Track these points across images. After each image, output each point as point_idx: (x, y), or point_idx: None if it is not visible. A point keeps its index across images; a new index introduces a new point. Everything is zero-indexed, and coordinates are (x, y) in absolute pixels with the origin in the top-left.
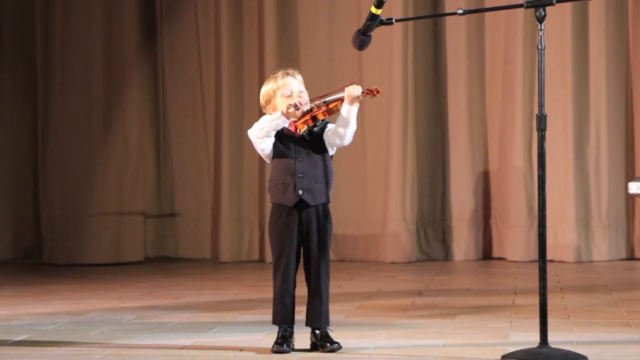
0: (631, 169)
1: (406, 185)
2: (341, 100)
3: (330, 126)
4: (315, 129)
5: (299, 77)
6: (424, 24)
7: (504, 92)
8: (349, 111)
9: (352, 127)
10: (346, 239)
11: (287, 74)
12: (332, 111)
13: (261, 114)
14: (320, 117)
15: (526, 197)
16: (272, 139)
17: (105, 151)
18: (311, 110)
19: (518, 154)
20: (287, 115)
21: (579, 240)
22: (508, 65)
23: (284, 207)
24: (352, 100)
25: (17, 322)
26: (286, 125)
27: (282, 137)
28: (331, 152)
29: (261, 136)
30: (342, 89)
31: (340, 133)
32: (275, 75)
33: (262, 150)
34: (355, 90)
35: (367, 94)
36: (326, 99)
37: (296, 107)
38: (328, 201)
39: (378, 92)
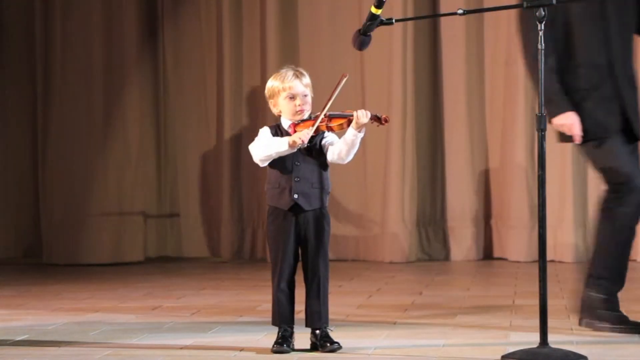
0: None
1: (405, 184)
2: (347, 120)
3: (329, 137)
4: (314, 139)
5: (306, 80)
6: (423, 24)
7: (506, 92)
8: (355, 136)
9: (355, 150)
10: (346, 239)
11: (295, 76)
12: (336, 129)
13: (262, 111)
14: (323, 129)
15: (528, 197)
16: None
17: (105, 151)
18: (315, 119)
19: (520, 154)
20: (292, 146)
21: (579, 241)
22: (509, 65)
23: (279, 209)
24: (360, 127)
25: (17, 322)
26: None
27: None
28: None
29: (265, 160)
30: (342, 106)
31: (343, 155)
32: (283, 73)
33: (263, 165)
34: (364, 116)
35: (374, 121)
36: (332, 113)
37: (302, 143)
38: (323, 206)
39: (386, 121)
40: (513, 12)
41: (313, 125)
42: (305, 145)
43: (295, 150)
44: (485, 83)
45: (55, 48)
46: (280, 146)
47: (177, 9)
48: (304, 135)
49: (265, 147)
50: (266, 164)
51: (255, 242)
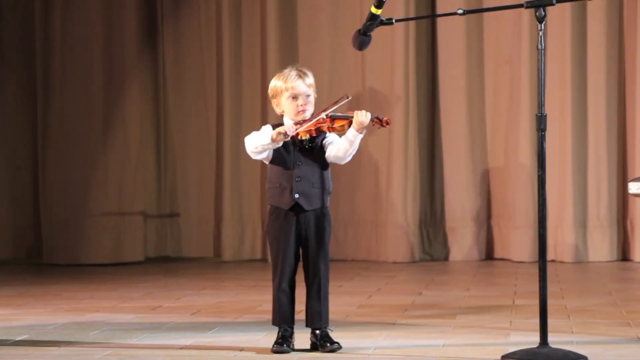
0: (630, 169)
1: (408, 184)
2: (348, 121)
3: (330, 137)
4: (316, 139)
5: (309, 80)
6: (424, 24)
7: (509, 91)
8: (355, 137)
9: (354, 151)
10: (347, 239)
11: (298, 76)
12: (337, 130)
13: (262, 111)
14: (324, 129)
15: (532, 197)
16: (266, 154)
17: (105, 151)
18: (317, 120)
19: (523, 154)
20: (275, 140)
21: (579, 241)
22: (510, 65)
23: (280, 209)
24: (360, 128)
25: (17, 322)
26: (279, 145)
27: None
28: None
29: (256, 153)
30: (343, 101)
31: (341, 155)
32: (286, 73)
33: (260, 159)
34: (365, 117)
35: (376, 122)
36: (334, 114)
37: (285, 134)
38: (324, 206)
39: (387, 123)
40: (514, 12)
41: (306, 123)
42: (289, 137)
43: (280, 144)
44: (485, 83)
45: (55, 48)
46: (264, 139)
47: (177, 9)
48: (287, 128)
49: (254, 139)
50: (258, 157)
51: (255, 242)
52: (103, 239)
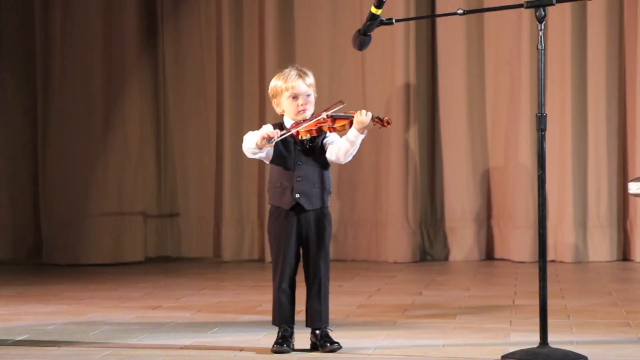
0: (630, 169)
1: (408, 184)
2: (349, 121)
3: (330, 137)
4: (317, 139)
5: (309, 80)
6: (424, 24)
7: (509, 91)
8: (356, 137)
9: (354, 151)
10: (347, 239)
11: (299, 75)
12: (338, 130)
13: (261, 111)
14: (325, 129)
15: (533, 197)
16: (264, 153)
17: (105, 151)
18: (318, 119)
19: (524, 154)
20: (260, 146)
21: (579, 241)
22: (510, 65)
23: (281, 209)
24: (362, 128)
25: (17, 322)
26: (267, 149)
27: (283, 140)
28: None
29: (249, 154)
30: (344, 105)
31: (341, 154)
32: (287, 73)
33: (258, 159)
34: (366, 117)
35: (377, 122)
36: (335, 114)
37: (269, 139)
38: (324, 206)
39: (388, 123)
40: (514, 12)
41: (293, 128)
42: (273, 143)
43: (268, 149)
44: (485, 83)
45: (55, 48)
46: (252, 142)
47: (177, 9)
48: (271, 133)
49: (248, 140)
50: (253, 157)
51: (255, 242)
52: (103, 239)
